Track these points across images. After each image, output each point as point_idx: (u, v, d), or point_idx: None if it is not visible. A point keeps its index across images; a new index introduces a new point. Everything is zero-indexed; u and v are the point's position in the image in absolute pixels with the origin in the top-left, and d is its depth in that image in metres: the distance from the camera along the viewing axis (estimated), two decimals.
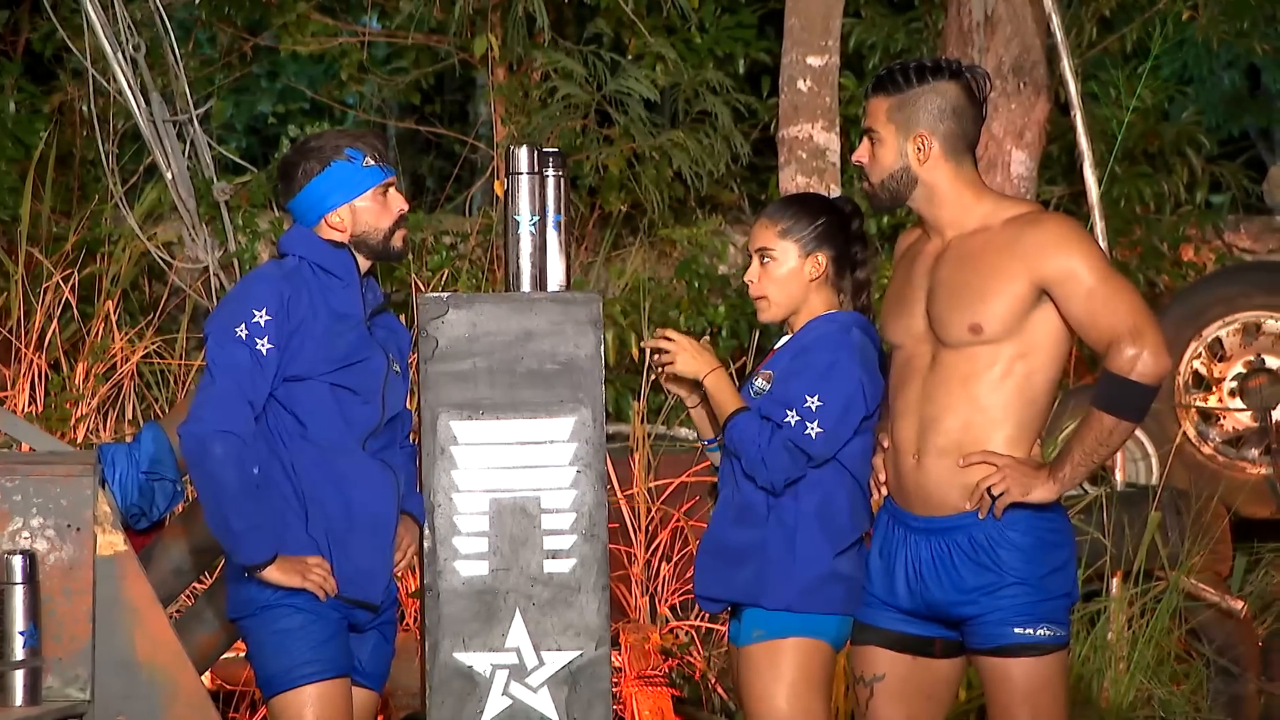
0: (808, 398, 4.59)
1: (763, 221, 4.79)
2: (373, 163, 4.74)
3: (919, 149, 4.40)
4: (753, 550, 4.68)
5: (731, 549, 4.72)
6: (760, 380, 4.74)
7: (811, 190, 8.61)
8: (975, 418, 4.35)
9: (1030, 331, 4.33)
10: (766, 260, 4.77)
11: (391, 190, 4.78)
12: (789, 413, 4.60)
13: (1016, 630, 4.34)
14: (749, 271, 4.82)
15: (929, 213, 4.45)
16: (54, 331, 8.25)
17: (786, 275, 4.74)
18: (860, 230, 4.76)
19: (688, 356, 4.73)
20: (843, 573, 4.62)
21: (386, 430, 4.80)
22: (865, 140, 4.47)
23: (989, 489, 4.33)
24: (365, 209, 4.75)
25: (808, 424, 4.58)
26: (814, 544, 4.63)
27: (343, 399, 4.70)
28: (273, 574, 4.63)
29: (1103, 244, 7.38)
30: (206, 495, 4.61)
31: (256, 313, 4.63)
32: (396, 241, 4.78)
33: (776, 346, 4.83)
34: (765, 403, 4.67)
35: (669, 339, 4.76)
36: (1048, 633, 4.35)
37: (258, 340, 4.61)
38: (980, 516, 4.35)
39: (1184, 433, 8.23)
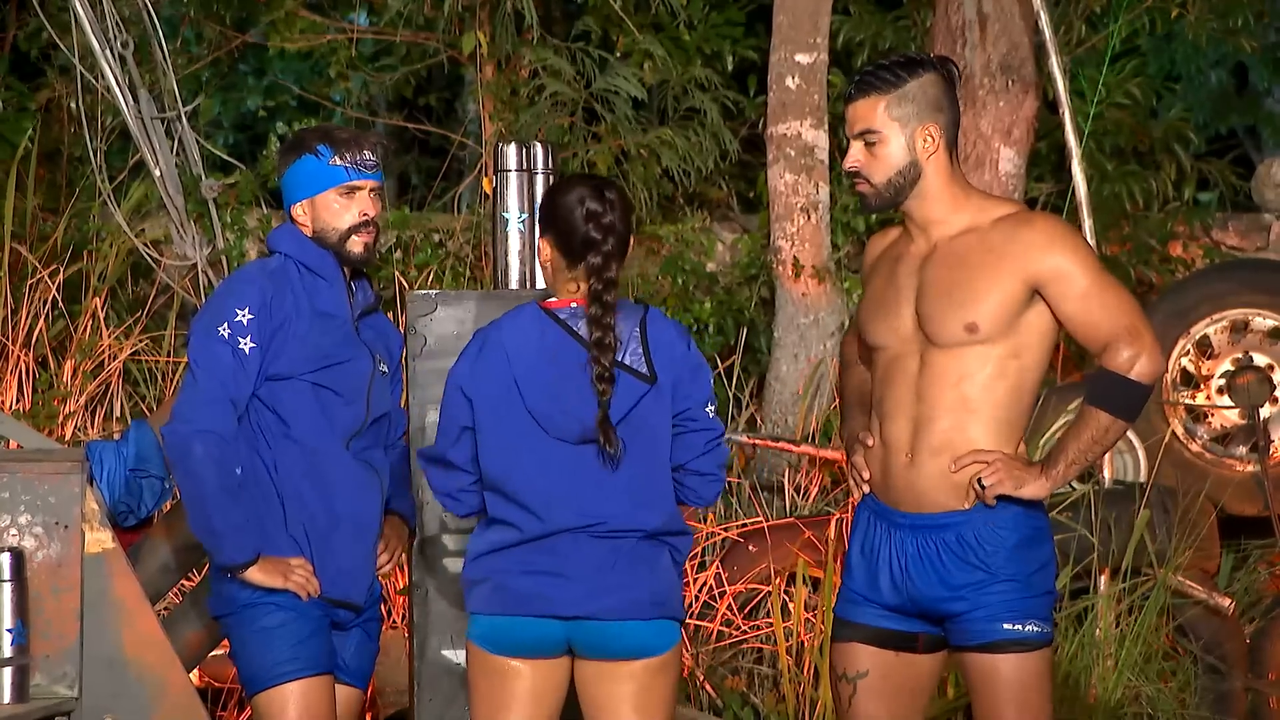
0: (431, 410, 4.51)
1: None
2: (339, 163, 4.73)
3: (926, 141, 4.39)
4: None
5: None
6: None
7: (798, 186, 8.62)
8: (967, 417, 4.35)
9: (1022, 331, 4.34)
10: None
11: (360, 194, 4.75)
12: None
13: (1006, 626, 4.34)
14: None
15: (919, 210, 4.44)
16: (41, 329, 8.25)
17: (541, 262, 4.55)
18: (592, 211, 4.40)
19: None
20: (486, 573, 4.46)
21: (371, 430, 4.79)
22: (858, 144, 4.43)
23: (979, 480, 4.33)
24: (324, 207, 4.75)
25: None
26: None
27: (325, 399, 4.70)
28: (255, 575, 4.63)
29: (1091, 240, 7.39)
30: (189, 495, 4.61)
31: (239, 311, 4.63)
32: (354, 246, 4.76)
33: None
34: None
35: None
36: (1036, 629, 4.36)
37: (240, 339, 4.61)
38: (968, 506, 4.35)
39: (1172, 430, 8.23)
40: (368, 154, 4.75)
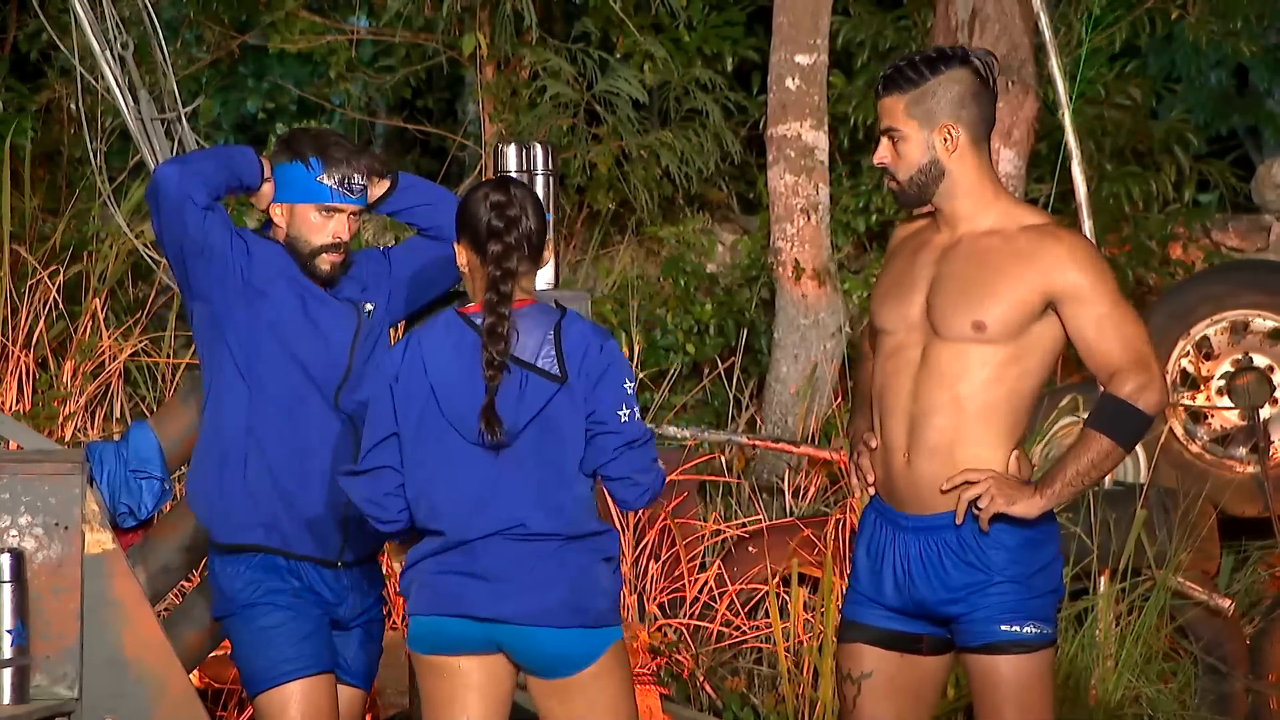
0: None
1: None
2: (326, 181, 4.73)
3: (946, 139, 4.38)
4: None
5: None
6: None
7: (799, 187, 8.62)
8: (963, 418, 4.35)
9: (1028, 339, 4.34)
10: None
11: (339, 217, 4.76)
12: None
13: (1004, 628, 4.34)
14: None
15: (946, 205, 4.44)
16: (41, 330, 8.25)
17: (459, 267, 4.53)
18: (496, 203, 4.39)
19: None
20: (416, 575, 4.46)
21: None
22: (885, 141, 4.43)
23: (973, 502, 4.33)
24: (301, 218, 4.77)
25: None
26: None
27: (297, 340, 4.71)
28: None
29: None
30: (196, 173, 4.72)
31: None
32: (320, 264, 4.78)
33: None
34: None
35: None
36: (1035, 630, 4.35)
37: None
38: (957, 522, 4.35)
39: (1171, 431, 8.23)
40: (357, 178, 4.75)
